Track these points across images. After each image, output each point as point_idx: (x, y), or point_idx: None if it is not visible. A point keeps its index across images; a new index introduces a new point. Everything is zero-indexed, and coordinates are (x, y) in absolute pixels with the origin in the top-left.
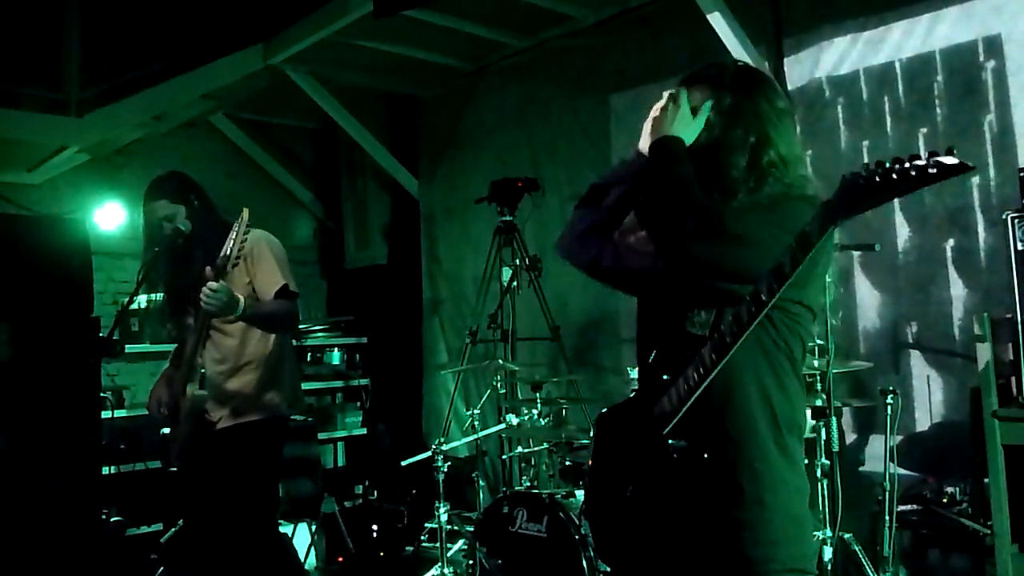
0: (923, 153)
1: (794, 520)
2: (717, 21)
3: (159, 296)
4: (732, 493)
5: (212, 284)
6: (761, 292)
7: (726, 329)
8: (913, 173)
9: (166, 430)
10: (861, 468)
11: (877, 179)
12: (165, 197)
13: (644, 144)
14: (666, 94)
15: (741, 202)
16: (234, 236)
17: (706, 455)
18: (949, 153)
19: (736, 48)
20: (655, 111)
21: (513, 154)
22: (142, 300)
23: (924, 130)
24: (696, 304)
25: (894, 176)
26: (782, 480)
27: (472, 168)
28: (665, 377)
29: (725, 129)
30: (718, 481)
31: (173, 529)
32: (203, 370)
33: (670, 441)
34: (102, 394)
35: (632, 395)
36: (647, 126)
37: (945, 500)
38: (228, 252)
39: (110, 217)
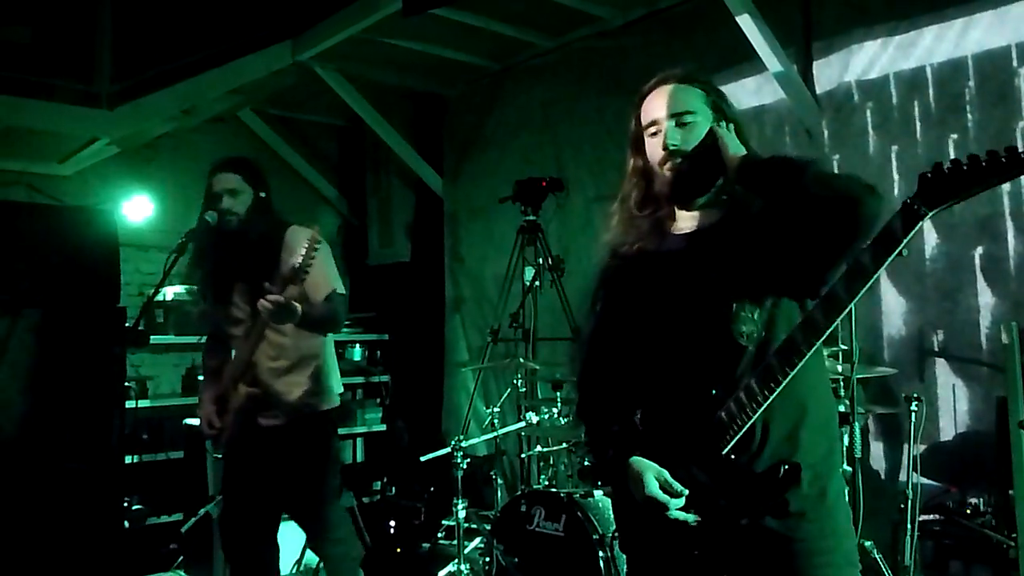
0: (953, 155)
1: (847, 514)
2: (746, 23)
3: (186, 288)
4: (795, 489)
5: (272, 297)
6: (839, 292)
7: (798, 334)
8: (1003, 160)
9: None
10: (883, 476)
11: (965, 168)
12: (239, 173)
13: None
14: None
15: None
16: (303, 252)
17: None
18: None
19: (765, 51)
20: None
21: (538, 154)
22: (167, 292)
23: (954, 136)
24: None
25: (983, 164)
26: (835, 471)
27: (497, 167)
28: (714, 392)
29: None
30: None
31: (194, 519)
32: (256, 368)
33: (731, 456)
34: (126, 384)
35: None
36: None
37: (968, 511)
38: (297, 265)
39: (138, 209)
